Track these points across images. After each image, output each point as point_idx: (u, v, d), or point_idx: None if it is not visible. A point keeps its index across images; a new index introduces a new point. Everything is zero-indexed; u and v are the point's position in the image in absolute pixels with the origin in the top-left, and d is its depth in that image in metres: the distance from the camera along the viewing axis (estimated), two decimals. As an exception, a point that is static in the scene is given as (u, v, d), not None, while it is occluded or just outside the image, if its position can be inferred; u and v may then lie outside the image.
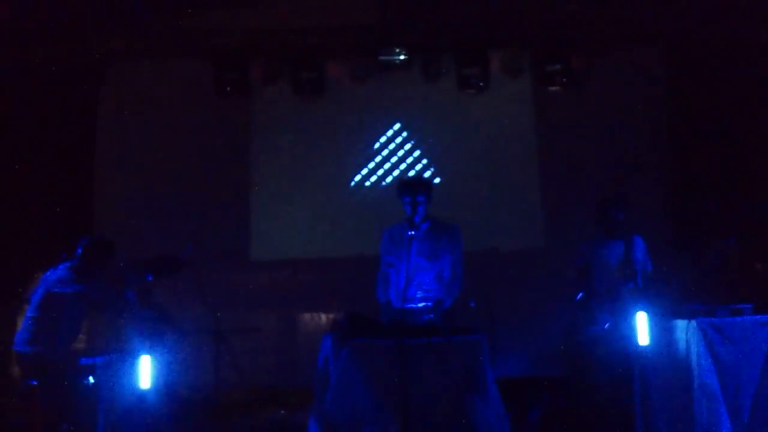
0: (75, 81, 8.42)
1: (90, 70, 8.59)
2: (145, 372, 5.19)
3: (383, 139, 8.91)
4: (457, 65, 8.69)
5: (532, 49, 8.77)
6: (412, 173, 8.77)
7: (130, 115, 8.72)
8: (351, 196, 8.85)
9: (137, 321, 5.73)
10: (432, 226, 5.59)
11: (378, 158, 8.89)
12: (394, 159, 8.88)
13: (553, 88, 8.75)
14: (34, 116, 8.00)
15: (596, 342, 5.62)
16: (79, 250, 5.74)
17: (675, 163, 8.52)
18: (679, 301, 5.43)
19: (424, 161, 8.84)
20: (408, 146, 8.89)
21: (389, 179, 8.81)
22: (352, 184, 8.87)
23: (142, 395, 5.24)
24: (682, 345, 5.16)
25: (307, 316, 8.62)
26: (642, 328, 5.02)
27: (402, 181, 5.71)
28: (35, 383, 5.41)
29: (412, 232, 5.36)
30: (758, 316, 5.19)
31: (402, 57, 8.65)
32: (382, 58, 8.65)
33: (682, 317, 5.20)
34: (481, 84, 8.70)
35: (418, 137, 8.90)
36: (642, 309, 5.09)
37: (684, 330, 5.15)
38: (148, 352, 5.25)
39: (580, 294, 5.96)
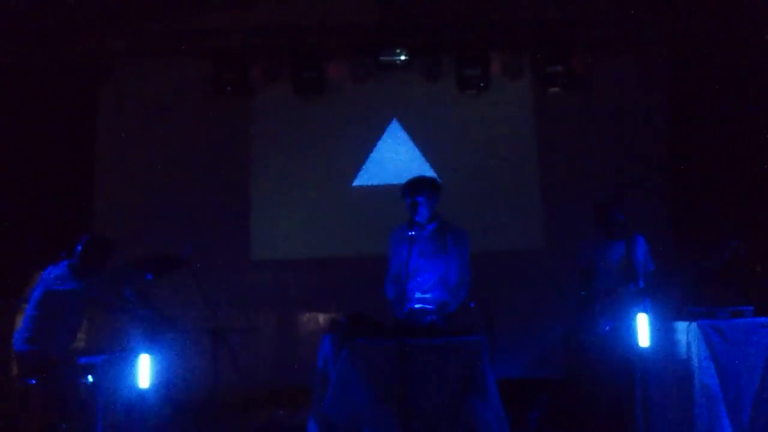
0: (75, 80, 8.42)
1: (90, 69, 8.57)
2: (144, 371, 5.18)
3: (383, 139, 8.90)
4: (458, 66, 8.68)
5: (533, 51, 8.75)
6: (407, 174, 8.76)
7: (130, 115, 8.71)
8: (351, 196, 8.84)
9: (136, 320, 5.72)
10: (438, 227, 5.58)
11: (377, 158, 8.88)
12: (393, 159, 8.87)
13: (554, 90, 8.74)
14: (34, 115, 7.99)
15: (596, 343, 5.61)
16: (79, 248, 5.73)
17: (676, 164, 8.51)
18: (679, 302, 5.42)
19: (424, 162, 8.83)
20: (408, 146, 8.89)
21: (388, 180, 8.80)
22: (352, 184, 8.87)
23: (141, 394, 5.24)
24: (682, 347, 5.16)
25: (306, 315, 8.61)
26: (642, 329, 5.01)
27: (405, 182, 5.70)
28: (34, 382, 5.41)
29: (412, 233, 5.35)
30: (759, 318, 5.20)
31: (402, 57, 8.64)
32: (382, 58, 8.63)
33: (683, 319, 5.20)
34: (481, 85, 8.69)
35: (418, 137, 8.89)
36: (642, 310, 5.08)
37: (685, 332, 5.14)
38: (147, 352, 5.24)
39: (582, 294, 5.94)
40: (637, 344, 5.01)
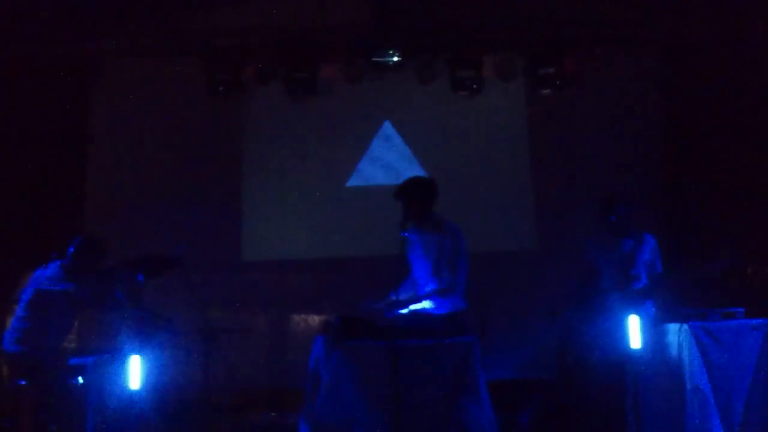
0: (67, 80, 8.38)
1: (82, 68, 8.55)
2: (135, 372, 5.16)
3: (376, 140, 8.90)
4: (451, 67, 8.68)
5: (526, 52, 8.76)
6: (400, 175, 8.76)
7: (122, 115, 8.69)
8: (343, 197, 8.83)
9: (127, 321, 5.69)
10: (419, 225, 5.53)
11: (370, 160, 8.87)
12: (386, 161, 8.87)
13: (547, 91, 8.75)
14: (25, 115, 7.96)
15: (589, 344, 5.60)
16: (72, 249, 5.71)
17: (669, 165, 8.53)
18: (672, 305, 5.42)
19: (417, 163, 8.83)
20: (400, 148, 8.88)
21: (381, 181, 8.80)
22: (344, 185, 8.86)
23: (131, 396, 5.22)
24: (674, 349, 5.16)
25: (298, 317, 8.59)
26: (634, 331, 5.01)
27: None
28: (23, 383, 5.38)
29: (406, 234, 5.34)
30: (750, 320, 5.22)
31: (395, 59, 8.64)
32: (375, 59, 8.63)
33: (675, 321, 5.20)
34: (474, 86, 8.69)
35: (410, 139, 8.89)
36: (635, 312, 5.08)
37: (676, 334, 5.15)
38: (137, 353, 5.22)
39: (585, 290, 5.87)
40: (629, 346, 5.01)
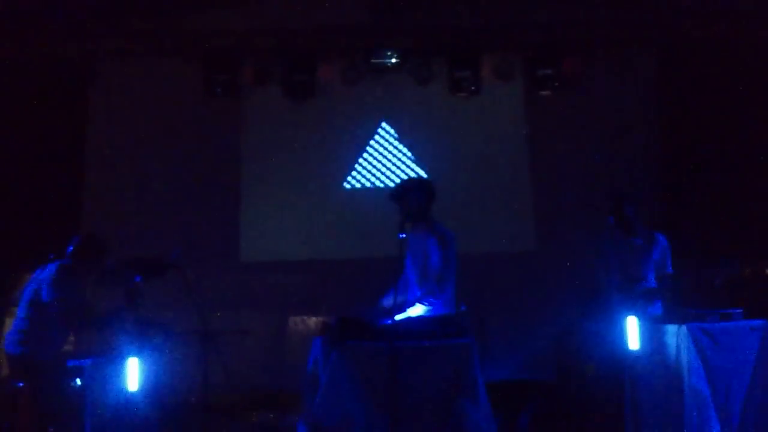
0: (65, 80, 8.39)
1: (80, 69, 8.55)
2: (133, 374, 5.15)
3: (374, 141, 8.90)
4: (449, 68, 8.70)
5: (524, 53, 8.78)
6: (398, 176, 8.77)
7: (120, 116, 8.68)
8: (341, 199, 8.83)
9: (125, 323, 5.68)
10: (413, 229, 5.52)
11: (368, 161, 8.88)
12: (384, 162, 8.88)
13: (545, 92, 8.77)
14: (23, 115, 7.96)
15: (588, 345, 5.59)
16: (71, 248, 5.68)
17: (667, 165, 8.54)
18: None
19: (415, 165, 8.83)
20: (398, 149, 8.89)
21: (379, 182, 8.81)
22: (342, 186, 8.86)
23: (129, 398, 5.20)
24: (672, 350, 5.15)
25: (296, 318, 8.59)
26: (632, 332, 5.00)
27: None
28: (21, 385, 5.36)
29: (403, 235, 5.33)
30: (748, 321, 5.20)
31: (394, 60, 8.66)
32: (373, 60, 8.65)
33: (673, 322, 5.20)
34: (472, 87, 8.71)
35: (408, 140, 8.89)
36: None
37: (674, 335, 5.14)
38: (136, 355, 5.21)
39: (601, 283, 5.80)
40: (627, 347, 5.01)
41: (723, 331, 5.11)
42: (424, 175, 8.69)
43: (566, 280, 7.48)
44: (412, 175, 8.75)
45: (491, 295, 7.43)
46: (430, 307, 5.22)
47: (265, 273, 8.61)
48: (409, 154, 8.87)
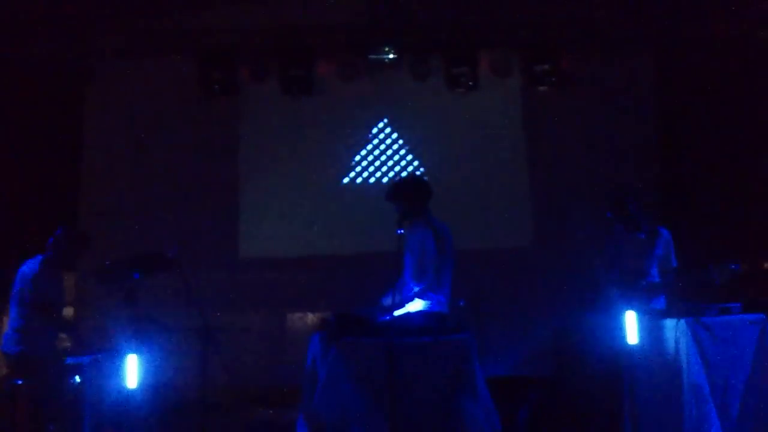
0: (62, 78, 8.38)
1: (77, 67, 8.54)
2: (132, 371, 5.14)
3: (372, 138, 8.90)
4: (446, 65, 8.70)
5: (522, 50, 8.78)
6: (396, 172, 8.77)
7: (118, 114, 8.68)
8: (339, 195, 8.83)
9: (124, 320, 5.68)
10: (411, 224, 5.51)
11: (366, 157, 8.87)
12: (382, 158, 8.88)
13: (542, 89, 8.78)
14: (19, 114, 7.94)
15: (587, 340, 5.59)
16: (51, 241, 5.67)
17: (664, 161, 8.54)
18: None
19: (413, 161, 8.83)
20: (396, 145, 8.89)
21: (377, 179, 8.80)
22: (340, 183, 8.85)
23: (128, 395, 5.20)
24: (671, 344, 5.15)
25: (295, 315, 8.59)
26: (631, 327, 5.00)
27: None
28: (20, 383, 5.36)
29: (401, 231, 5.32)
30: (746, 315, 5.21)
31: (391, 56, 8.65)
32: (371, 57, 8.64)
33: (671, 316, 5.20)
34: (470, 84, 8.71)
35: (406, 136, 8.90)
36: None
37: (673, 329, 5.14)
38: (134, 352, 5.20)
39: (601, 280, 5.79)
40: (626, 341, 5.01)
41: (722, 325, 5.11)
42: (422, 171, 8.70)
43: (565, 276, 7.49)
44: (410, 171, 8.76)
45: (489, 291, 7.42)
46: (429, 302, 5.22)
47: (263, 269, 8.61)
48: (406, 150, 8.87)
